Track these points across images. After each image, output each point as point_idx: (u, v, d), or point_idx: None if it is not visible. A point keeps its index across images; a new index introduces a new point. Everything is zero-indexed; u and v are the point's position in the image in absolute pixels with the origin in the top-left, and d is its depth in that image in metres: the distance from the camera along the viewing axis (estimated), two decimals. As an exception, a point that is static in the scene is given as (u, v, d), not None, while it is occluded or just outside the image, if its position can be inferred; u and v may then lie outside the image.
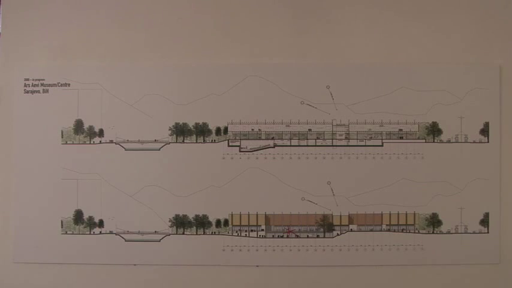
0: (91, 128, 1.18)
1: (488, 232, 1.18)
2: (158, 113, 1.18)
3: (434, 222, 1.18)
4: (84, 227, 1.18)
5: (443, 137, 1.18)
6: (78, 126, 1.18)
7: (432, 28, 1.20)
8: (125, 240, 1.18)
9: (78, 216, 1.18)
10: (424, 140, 1.18)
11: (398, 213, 1.18)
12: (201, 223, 1.18)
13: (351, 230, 1.18)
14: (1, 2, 1.20)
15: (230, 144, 1.18)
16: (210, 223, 1.18)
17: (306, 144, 1.18)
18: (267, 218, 1.18)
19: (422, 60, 1.19)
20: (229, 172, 1.17)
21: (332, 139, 1.18)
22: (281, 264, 1.18)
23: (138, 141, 1.18)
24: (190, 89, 1.18)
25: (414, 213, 1.18)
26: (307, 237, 1.18)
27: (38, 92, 1.18)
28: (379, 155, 1.18)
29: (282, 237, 1.18)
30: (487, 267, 1.18)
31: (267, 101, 1.18)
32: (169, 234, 1.18)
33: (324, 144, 1.18)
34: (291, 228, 1.18)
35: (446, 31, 1.20)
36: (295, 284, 1.18)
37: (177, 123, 1.18)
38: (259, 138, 1.18)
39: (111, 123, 1.18)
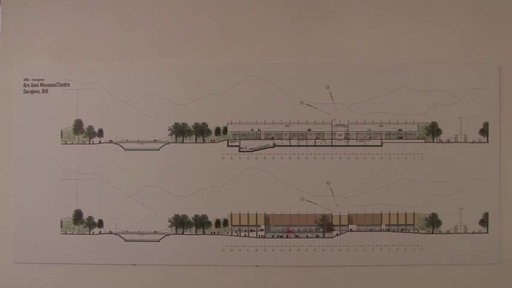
0: (90, 128, 1.18)
1: (487, 232, 1.18)
2: (158, 113, 1.18)
3: (433, 222, 1.18)
4: (84, 227, 1.18)
5: (443, 137, 1.18)
6: (78, 126, 1.18)
7: (432, 28, 1.20)
8: (125, 240, 1.18)
9: (77, 216, 1.18)
10: (423, 140, 1.18)
11: (397, 213, 1.18)
12: (201, 223, 1.18)
13: (351, 230, 1.18)
14: (1, 2, 1.20)
15: (230, 144, 1.18)
16: (209, 223, 1.18)
17: (305, 144, 1.18)
18: (267, 218, 1.18)
19: (422, 60, 1.19)
20: (229, 172, 1.17)
21: (331, 139, 1.18)
22: (281, 264, 1.18)
23: (138, 141, 1.18)
24: (189, 89, 1.18)
25: (414, 213, 1.18)
26: (307, 237, 1.18)
27: (38, 92, 1.18)
28: (379, 155, 1.18)
29: (281, 237, 1.18)
30: (487, 267, 1.18)
31: (266, 101, 1.18)
32: (168, 234, 1.18)
33: (323, 144, 1.18)
34: (291, 228, 1.18)
35: (446, 31, 1.20)
36: (294, 284, 1.18)
37: (176, 123, 1.18)
38: (259, 138, 1.18)
39: (111, 123, 1.18)
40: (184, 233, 1.18)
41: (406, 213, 1.18)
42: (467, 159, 1.18)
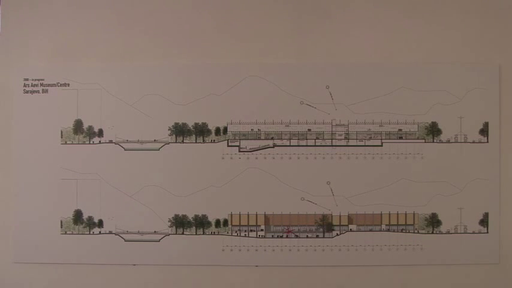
0: (90, 128, 1.18)
1: (487, 232, 1.18)
2: (158, 113, 1.18)
3: (433, 222, 1.18)
4: (84, 227, 1.18)
5: (443, 137, 1.18)
6: (78, 126, 1.18)
7: (432, 28, 1.20)
8: (125, 240, 1.18)
9: (77, 216, 1.18)
10: (423, 140, 1.18)
11: (397, 213, 1.18)
12: (201, 223, 1.18)
13: (351, 230, 1.18)
14: (1, 2, 1.20)
15: (230, 144, 1.18)
16: (209, 223, 1.18)
17: (305, 144, 1.18)
18: (267, 218, 1.18)
19: (422, 60, 1.19)
20: (229, 172, 1.17)
21: (331, 139, 1.18)
22: (280, 264, 1.18)
23: (138, 141, 1.18)
24: (189, 89, 1.18)
25: (414, 213, 1.18)
26: (307, 237, 1.18)
27: (38, 92, 1.18)
28: (379, 155, 1.18)
29: (281, 237, 1.18)
30: (487, 267, 1.18)
31: (266, 101, 1.18)
32: (168, 234, 1.18)
33: (323, 144, 1.18)
34: (291, 228, 1.18)
35: (446, 31, 1.20)
36: (294, 284, 1.18)
37: (176, 123, 1.18)
38: (259, 138, 1.18)
39: (111, 123, 1.18)
40: (184, 233, 1.18)
41: (406, 213, 1.18)
42: (467, 159, 1.18)
